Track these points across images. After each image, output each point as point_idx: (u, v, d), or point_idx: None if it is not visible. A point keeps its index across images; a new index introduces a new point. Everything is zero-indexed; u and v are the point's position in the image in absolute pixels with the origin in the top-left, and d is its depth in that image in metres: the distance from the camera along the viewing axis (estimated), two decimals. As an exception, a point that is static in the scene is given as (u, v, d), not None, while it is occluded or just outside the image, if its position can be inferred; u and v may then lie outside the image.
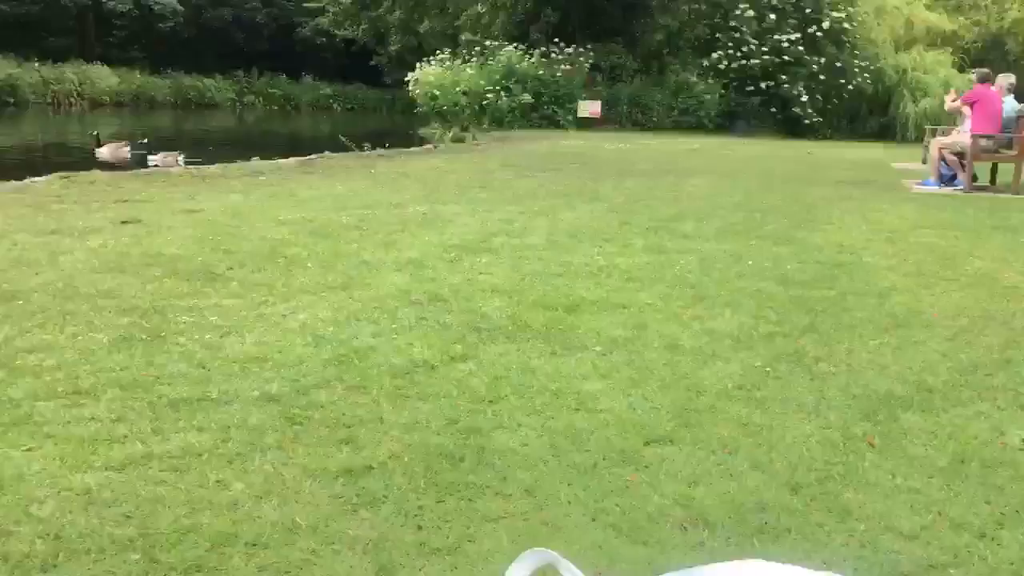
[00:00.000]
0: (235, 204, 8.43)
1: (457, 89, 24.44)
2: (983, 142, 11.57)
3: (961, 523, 2.59)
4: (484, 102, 24.29)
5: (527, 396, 3.52)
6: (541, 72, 24.84)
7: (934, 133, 14.58)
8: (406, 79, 26.88)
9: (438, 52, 26.39)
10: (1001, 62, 24.94)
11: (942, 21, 29.12)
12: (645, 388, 3.64)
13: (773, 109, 26.88)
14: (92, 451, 2.83)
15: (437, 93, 24.71)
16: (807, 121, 26.23)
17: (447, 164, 13.67)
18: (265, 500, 2.57)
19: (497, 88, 24.24)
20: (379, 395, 3.46)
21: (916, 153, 16.82)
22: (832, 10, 26.28)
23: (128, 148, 14.90)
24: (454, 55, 26.00)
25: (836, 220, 8.54)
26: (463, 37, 27.81)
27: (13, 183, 9.61)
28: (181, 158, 14.01)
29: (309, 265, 5.77)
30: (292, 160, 13.49)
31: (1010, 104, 12.06)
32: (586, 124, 24.56)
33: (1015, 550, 2.45)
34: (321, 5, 38.88)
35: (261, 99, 43.02)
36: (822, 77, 26.07)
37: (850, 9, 26.67)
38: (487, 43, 25.59)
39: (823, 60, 26.08)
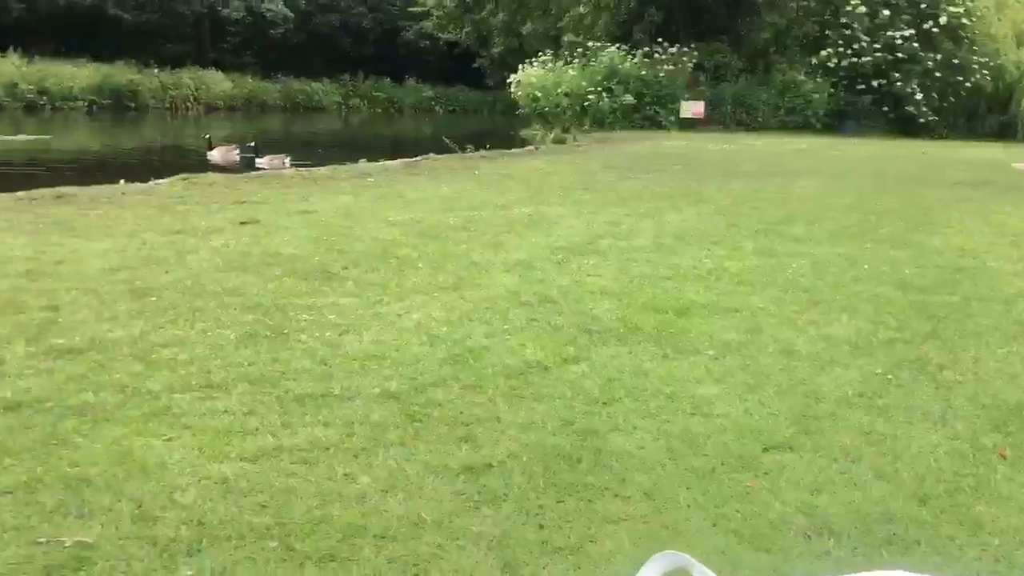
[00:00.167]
0: (346, 205, 8.64)
1: (559, 90, 24.49)
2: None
3: (1103, 542, 2.48)
4: (585, 103, 24.27)
5: (641, 399, 3.52)
6: (644, 72, 24.67)
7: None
8: (508, 81, 27.07)
9: (540, 54, 26.49)
10: None
11: (1069, 14, 27.73)
12: (761, 393, 3.59)
13: (885, 108, 26.05)
14: (227, 442, 2.97)
15: (539, 94, 24.80)
16: (921, 120, 25.33)
17: (549, 165, 13.71)
18: (390, 494, 2.65)
19: (599, 89, 24.18)
20: (495, 395, 3.51)
21: (1040, 153, 16.06)
22: (949, 5, 25.29)
23: (237, 151, 15.42)
24: (556, 56, 26.05)
25: (956, 223, 8.24)
26: (565, 38, 27.85)
27: (139, 185, 10.08)
28: (287, 160, 14.41)
29: (420, 265, 5.88)
30: (398, 162, 13.76)
31: None
32: (689, 125, 24.28)
33: None
34: (426, 9, 39.50)
35: (366, 102, 43.99)
36: (938, 74, 25.13)
37: (969, 3, 25.61)
38: (589, 44, 25.55)
39: (939, 57, 25.13)
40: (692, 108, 24.59)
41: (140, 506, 2.51)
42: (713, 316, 4.77)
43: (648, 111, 24.79)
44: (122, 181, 10.26)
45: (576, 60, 25.27)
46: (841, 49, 25.73)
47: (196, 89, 36.61)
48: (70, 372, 3.60)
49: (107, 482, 2.65)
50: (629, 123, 24.33)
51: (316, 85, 42.61)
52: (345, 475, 2.76)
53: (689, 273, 5.84)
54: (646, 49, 25.19)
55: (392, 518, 2.50)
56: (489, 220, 7.87)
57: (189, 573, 2.20)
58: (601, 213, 8.44)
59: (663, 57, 25.05)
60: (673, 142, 19.54)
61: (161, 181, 10.43)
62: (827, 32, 26.44)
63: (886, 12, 25.32)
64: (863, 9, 25.40)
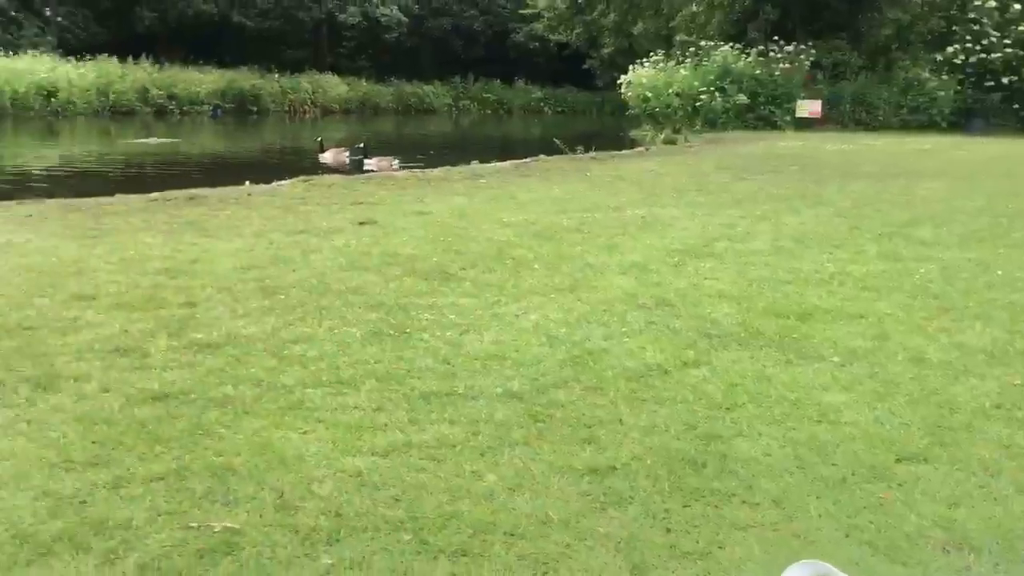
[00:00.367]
0: (460, 206, 8.77)
1: (670, 91, 24.24)
2: None
3: None
4: (697, 103, 23.96)
5: (765, 405, 3.47)
6: (758, 71, 24.18)
7: None
8: (618, 82, 26.93)
9: (651, 54, 26.27)
10: None
11: None
12: (892, 402, 3.50)
13: (1016, 106, 24.82)
14: (358, 437, 3.07)
15: (649, 95, 24.61)
16: (1056, 118, 24.06)
17: (661, 167, 13.60)
18: (518, 492, 2.69)
19: (711, 89, 23.83)
20: (616, 397, 3.53)
21: None
22: (1091, -4, 23.96)
23: (347, 153, 15.80)
24: (667, 56, 25.79)
25: (1097, 227, 7.80)
26: (677, 38, 27.54)
27: (263, 186, 10.47)
28: (396, 162, 14.67)
29: (535, 267, 5.93)
30: (509, 163, 13.87)
31: None
32: (805, 124, 23.66)
33: None
34: (536, 11, 39.68)
35: (476, 103, 44.51)
36: (1073, 70, 23.84)
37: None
38: (702, 43, 25.20)
39: (1075, 52, 23.83)
40: (808, 107, 23.95)
41: (281, 495, 2.63)
42: (837, 322, 4.66)
43: (762, 111, 24.27)
44: (247, 183, 10.68)
45: (688, 60, 24.96)
46: (969, 45, 24.64)
47: (313, 93, 37.75)
48: (210, 366, 3.79)
49: (249, 472, 2.79)
50: (742, 123, 23.88)
51: (427, 88, 43.36)
52: (473, 472, 2.82)
53: (810, 277, 5.71)
54: (761, 48, 24.68)
55: (520, 516, 2.54)
56: (602, 222, 7.87)
57: (329, 561, 2.29)
58: (716, 215, 8.33)
59: (779, 55, 24.49)
60: (788, 142, 19.08)
61: (283, 183, 10.80)
62: (954, 28, 25.37)
63: (1017, 6, 24.15)
64: (993, 3, 24.28)
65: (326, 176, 11.53)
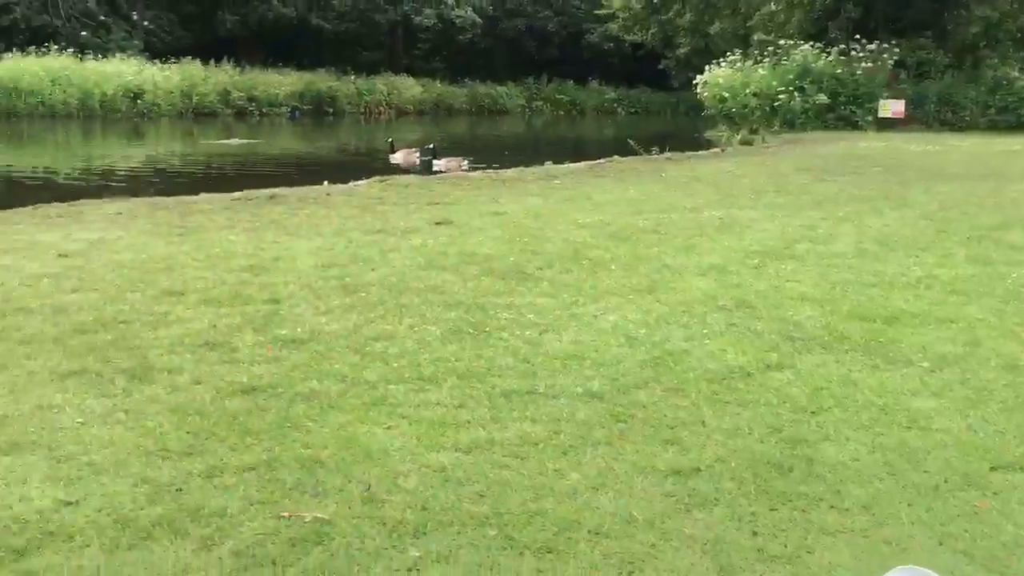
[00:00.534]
0: (535, 207, 8.79)
1: (748, 91, 23.90)
2: None
3: None
4: (775, 103, 23.56)
5: (851, 409, 3.41)
6: (839, 71, 23.67)
7: None
8: (694, 82, 26.65)
9: (728, 53, 25.93)
10: None
11: None
12: (985, 409, 3.40)
13: (1111, 105, 23.83)
14: (441, 433, 3.11)
15: (726, 95, 24.31)
16: None
17: (738, 168, 13.41)
18: (601, 491, 2.69)
19: (790, 88, 23.41)
20: (698, 399, 3.50)
21: None
22: None
23: (417, 154, 15.94)
24: (745, 56, 25.42)
25: None
26: (755, 37, 27.15)
27: (340, 186, 10.64)
28: (464, 163, 14.72)
29: (612, 267, 5.91)
30: (583, 164, 13.84)
31: None
32: (887, 125, 23.08)
33: None
34: (611, 11, 39.49)
35: (549, 104, 44.48)
36: None
37: None
38: (781, 42, 24.77)
39: None
40: (891, 107, 23.34)
41: (368, 488, 2.68)
42: (925, 326, 4.54)
43: (843, 111, 23.75)
44: (325, 183, 10.88)
45: (766, 59, 24.57)
46: (1061, 42, 23.77)
47: (388, 94, 38.20)
48: (295, 361, 3.87)
49: (337, 464, 2.85)
50: (822, 123, 23.41)
51: (501, 89, 43.50)
52: (555, 471, 2.83)
53: (896, 281, 5.58)
54: (842, 47, 24.15)
55: (604, 515, 2.54)
56: (679, 223, 7.80)
57: (417, 554, 2.33)
58: (796, 217, 8.19)
59: (860, 54, 23.93)
60: (870, 143, 18.64)
61: (360, 183, 10.96)
62: (1045, 24, 24.49)
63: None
64: (1088, -2, 23.38)
65: (402, 176, 11.66)
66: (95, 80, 27.53)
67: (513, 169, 12.75)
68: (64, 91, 26.63)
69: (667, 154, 15.52)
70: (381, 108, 37.63)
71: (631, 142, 16.45)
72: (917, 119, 23.87)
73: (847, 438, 3.13)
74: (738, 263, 6.08)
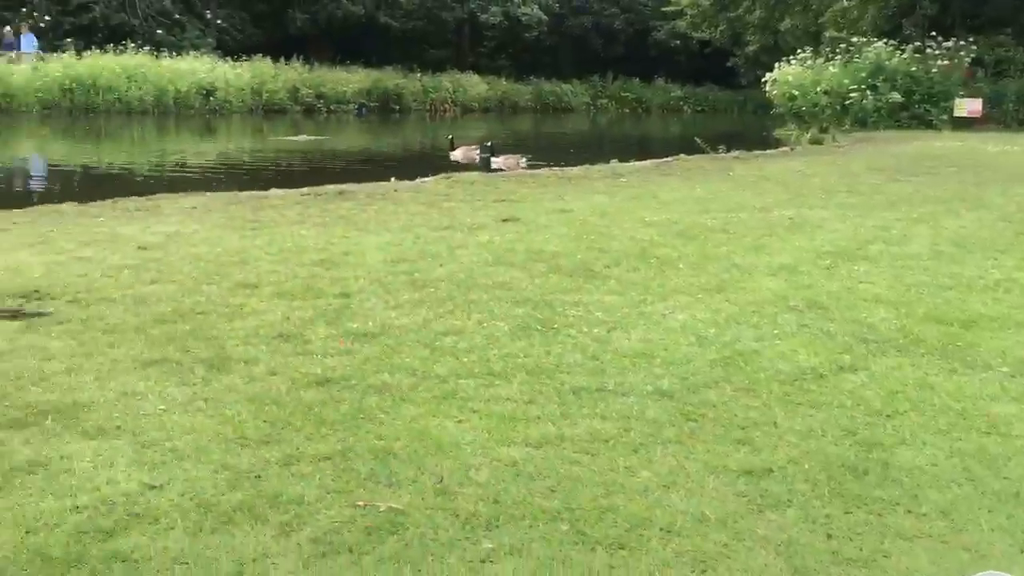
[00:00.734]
0: (601, 205, 8.77)
1: (818, 89, 23.47)
2: None
3: None
4: (847, 102, 23.09)
5: (928, 414, 3.35)
6: (913, 68, 23.09)
7: None
8: (762, 80, 26.28)
9: (798, 51, 25.50)
10: None
11: None
12: (1069, 417, 3.30)
13: None
14: (512, 428, 3.14)
15: (796, 93, 23.92)
16: None
17: (808, 167, 13.19)
18: (672, 490, 2.69)
19: (862, 87, 22.92)
20: (769, 399, 3.47)
21: None
22: None
23: (477, 150, 15.99)
24: (816, 53, 24.97)
25: None
26: (827, 34, 26.65)
27: (407, 182, 10.75)
28: (523, 160, 14.69)
29: (680, 266, 5.87)
30: (649, 162, 13.75)
31: None
32: (963, 124, 22.45)
33: None
34: (679, 8, 39.14)
35: (614, 102, 44.27)
36: None
37: None
38: (853, 39, 24.25)
39: None
40: (968, 106, 22.69)
41: (441, 480, 2.72)
42: (1005, 330, 4.43)
43: (917, 109, 23.17)
44: (393, 179, 11.00)
45: (838, 57, 24.09)
46: None
47: (454, 92, 38.40)
48: (367, 354, 3.94)
49: (409, 456, 2.89)
50: (895, 122, 22.87)
51: (566, 86, 43.41)
52: (626, 468, 2.84)
53: (974, 283, 5.45)
54: (917, 44, 23.58)
55: (676, 513, 2.54)
56: (748, 222, 7.71)
57: (490, 546, 2.36)
58: (868, 217, 8.03)
59: (936, 52, 23.32)
60: (945, 142, 18.17)
61: (427, 179, 11.06)
62: None
63: None
64: None
65: (468, 173, 11.73)
66: (169, 77, 28.19)
67: (578, 167, 12.73)
68: (140, 88, 27.33)
69: (735, 153, 15.34)
70: (447, 105, 37.82)
71: (698, 140, 16.29)
72: (994, 118, 23.18)
73: (924, 442, 3.08)
74: (809, 263, 5.99)
